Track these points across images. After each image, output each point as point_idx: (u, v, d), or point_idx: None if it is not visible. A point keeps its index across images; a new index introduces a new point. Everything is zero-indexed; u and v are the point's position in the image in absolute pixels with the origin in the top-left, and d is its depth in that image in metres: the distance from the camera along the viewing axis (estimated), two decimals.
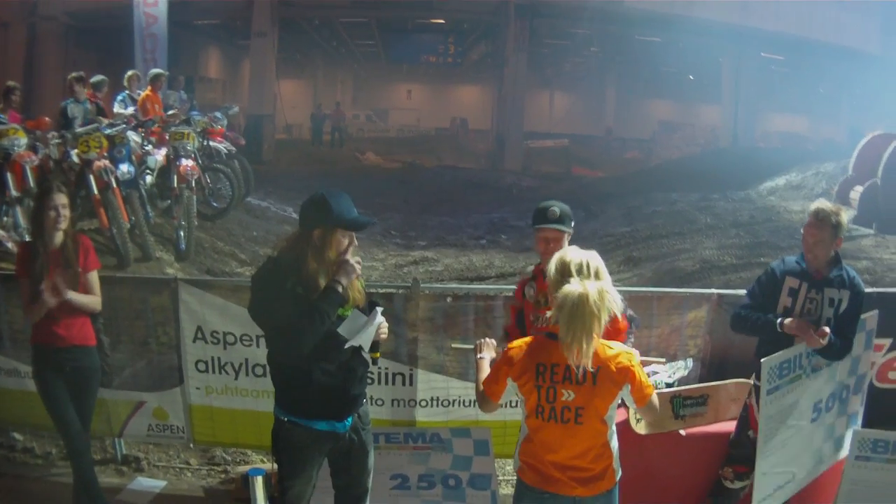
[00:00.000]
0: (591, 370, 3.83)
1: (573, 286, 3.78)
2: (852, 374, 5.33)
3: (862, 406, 5.52)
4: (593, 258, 3.93)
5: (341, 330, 4.21)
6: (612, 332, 4.22)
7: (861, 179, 16.68)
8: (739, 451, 5.29)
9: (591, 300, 3.72)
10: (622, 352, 3.92)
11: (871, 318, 5.30)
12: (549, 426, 3.94)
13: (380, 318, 4.32)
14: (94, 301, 5.53)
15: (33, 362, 5.57)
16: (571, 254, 3.96)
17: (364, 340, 4.27)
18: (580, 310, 3.73)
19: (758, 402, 5.00)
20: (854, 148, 18.22)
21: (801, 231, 5.11)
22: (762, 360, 4.88)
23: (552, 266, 3.97)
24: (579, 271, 3.85)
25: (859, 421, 5.51)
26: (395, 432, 6.17)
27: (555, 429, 3.93)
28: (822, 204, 5.04)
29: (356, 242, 4.31)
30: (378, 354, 4.48)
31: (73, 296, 5.38)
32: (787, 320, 4.95)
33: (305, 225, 4.24)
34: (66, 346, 5.45)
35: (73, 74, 12.20)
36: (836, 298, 5.04)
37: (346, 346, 4.23)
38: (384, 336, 4.45)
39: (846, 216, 5.10)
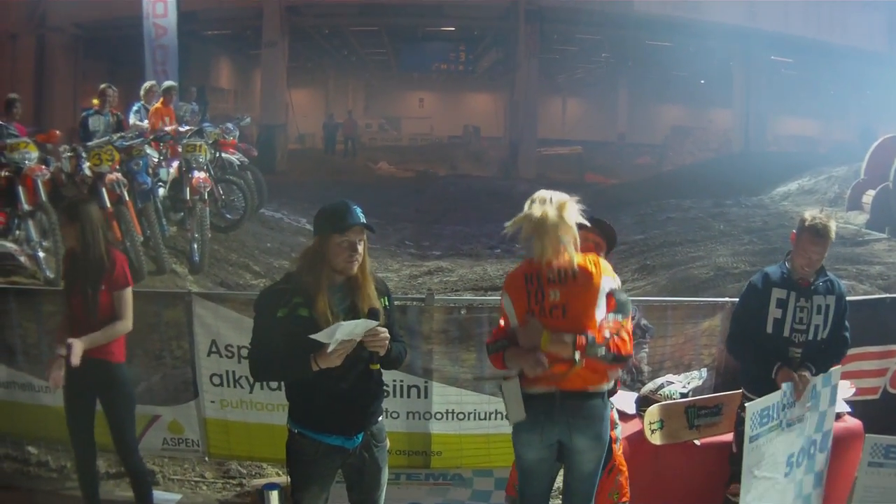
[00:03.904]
0: (573, 270, 4.27)
1: (534, 210, 4.27)
2: (819, 430, 5.29)
3: (826, 465, 5.40)
4: (557, 194, 4.37)
5: (318, 336, 3.99)
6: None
7: (873, 183, 16.69)
8: (740, 468, 5.19)
9: (550, 217, 4.23)
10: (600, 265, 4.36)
11: (835, 373, 5.27)
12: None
13: (359, 325, 4.04)
14: (109, 332, 5.40)
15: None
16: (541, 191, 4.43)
17: (324, 336, 3.98)
18: (543, 226, 4.23)
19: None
20: (866, 151, 18.21)
21: (794, 242, 5.11)
22: (747, 404, 4.93)
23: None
24: (542, 202, 4.30)
25: (823, 482, 5.41)
26: (417, 472, 6.26)
27: (544, 322, 4.26)
28: (818, 217, 5.03)
29: (359, 248, 4.16)
30: (376, 366, 4.29)
31: (85, 344, 5.26)
32: (781, 373, 5.02)
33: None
34: (87, 357, 5.29)
35: (104, 85, 12.36)
36: (824, 305, 5.11)
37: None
38: (380, 349, 4.19)
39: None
